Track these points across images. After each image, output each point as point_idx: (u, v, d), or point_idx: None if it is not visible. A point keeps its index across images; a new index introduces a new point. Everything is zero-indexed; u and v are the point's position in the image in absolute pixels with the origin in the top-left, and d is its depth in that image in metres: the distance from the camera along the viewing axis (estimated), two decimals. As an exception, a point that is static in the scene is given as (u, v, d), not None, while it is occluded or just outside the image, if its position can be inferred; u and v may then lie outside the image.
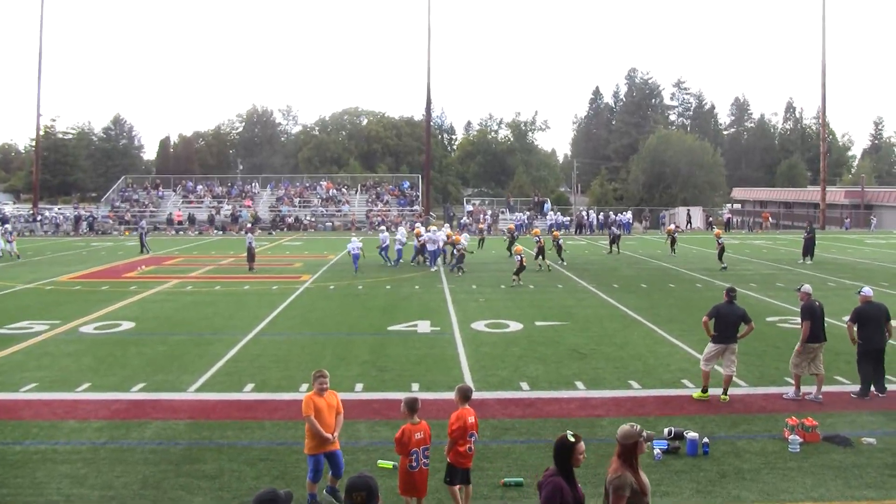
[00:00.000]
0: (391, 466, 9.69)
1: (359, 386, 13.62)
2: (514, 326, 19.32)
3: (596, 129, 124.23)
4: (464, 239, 33.24)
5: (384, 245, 33.73)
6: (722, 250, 33.31)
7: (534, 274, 29.49)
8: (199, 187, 72.23)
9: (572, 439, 5.92)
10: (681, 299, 23.95)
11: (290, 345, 17.28)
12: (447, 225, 41.94)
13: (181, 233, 59.70)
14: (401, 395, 8.97)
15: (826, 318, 13.26)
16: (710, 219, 66.91)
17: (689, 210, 70.21)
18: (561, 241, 35.71)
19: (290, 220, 64.07)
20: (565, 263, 33.67)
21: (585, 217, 62.85)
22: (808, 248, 35.30)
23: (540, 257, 31.48)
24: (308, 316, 21.22)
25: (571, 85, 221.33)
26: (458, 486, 8.48)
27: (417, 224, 42.98)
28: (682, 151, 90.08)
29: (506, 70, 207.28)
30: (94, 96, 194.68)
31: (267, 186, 74.26)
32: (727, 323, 12.83)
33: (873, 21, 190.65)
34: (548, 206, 68.73)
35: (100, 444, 10.79)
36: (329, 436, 8.71)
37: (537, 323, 19.75)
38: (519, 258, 27.26)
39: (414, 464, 8.13)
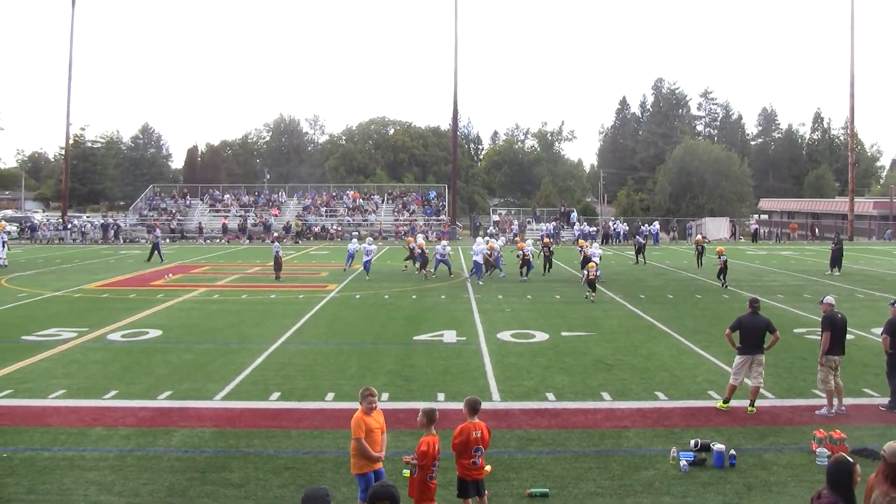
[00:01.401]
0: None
1: (384, 395, 13.59)
2: (540, 337, 19.26)
3: (622, 139, 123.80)
4: (527, 246, 33.28)
5: (368, 257, 33.28)
6: (721, 269, 30.00)
7: (560, 285, 29.39)
8: (227, 196, 72.85)
9: (851, 460, 5.62)
10: (707, 310, 23.78)
11: (315, 354, 17.32)
12: (499, 236, 41.19)
13: (208, 241, 60.16)
14: (426, 406, 8.92)
15: (854, 330, 13.11)
16: (756, 228, 66.02)
17: (731, 220, 69.44)
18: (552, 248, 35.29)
19: (317, 229, 64.37)
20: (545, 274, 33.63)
21: (612, 227, 62.61)
22: (836, 260, 35.04)
23: (526, 268, 31.84)
24: (334, 325, 21.27)
25: (598, 95, 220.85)
26: (476, 499, 8.38)
27: (419, 234, 42.57)
28: (709, 162, 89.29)
29: (532, 80, 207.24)
30: (123, 105, 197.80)
31: (294, 195, 74.68)
32: (751, 334, 12.76)
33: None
34: (574, 216, 68.50)
35: (127, 451, 10.88)
36: (378, 455, 8.38)
37: (563, 333, 19.68)
38: (587, 273, 26.37)
39: (433, 474, 7.98)
